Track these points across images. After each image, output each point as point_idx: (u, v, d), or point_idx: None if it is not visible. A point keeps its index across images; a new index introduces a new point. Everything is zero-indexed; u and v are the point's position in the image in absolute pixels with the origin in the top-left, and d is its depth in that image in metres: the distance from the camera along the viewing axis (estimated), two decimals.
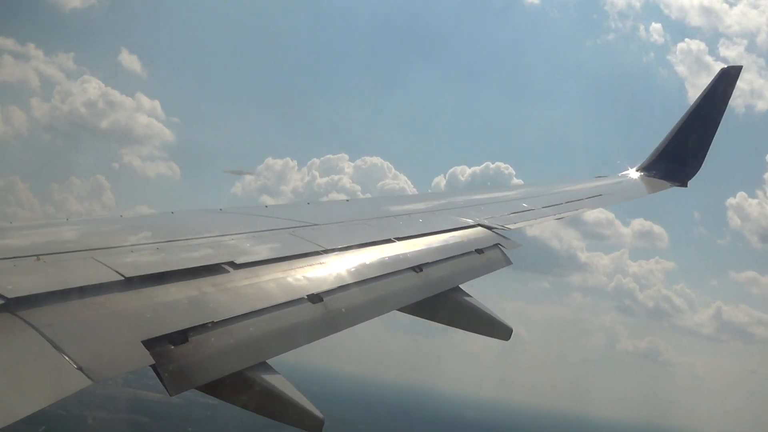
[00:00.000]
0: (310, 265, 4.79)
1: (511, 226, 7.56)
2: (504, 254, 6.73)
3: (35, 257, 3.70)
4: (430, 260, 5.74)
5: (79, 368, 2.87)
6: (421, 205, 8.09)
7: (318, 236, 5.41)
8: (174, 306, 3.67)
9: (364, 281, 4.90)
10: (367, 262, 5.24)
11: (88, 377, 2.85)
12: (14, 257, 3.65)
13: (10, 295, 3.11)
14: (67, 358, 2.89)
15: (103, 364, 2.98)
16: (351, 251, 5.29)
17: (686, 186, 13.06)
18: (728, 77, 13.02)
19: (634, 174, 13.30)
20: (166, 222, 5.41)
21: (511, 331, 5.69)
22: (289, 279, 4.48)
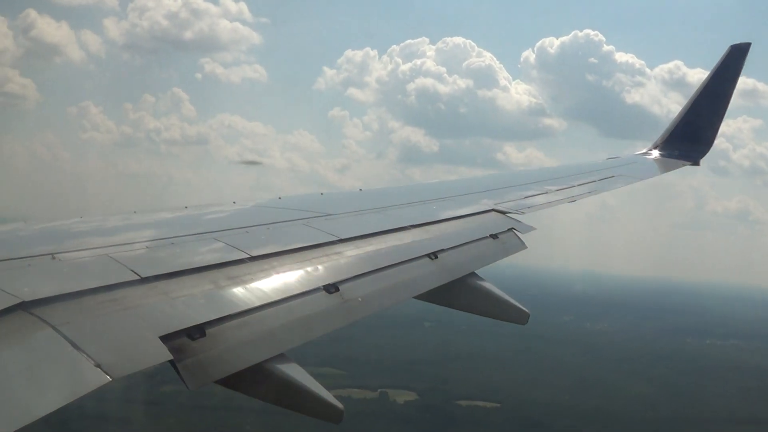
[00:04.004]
0: (326, 255, 4.77)
1: (525, 210, 7.52)
2: (519, 238, 6.69)
3: (50, 256, 3.70)
4: (445, 247, 5.71)
5: (98, 365, 2.86)
6: (434, 192, 8.05)
7: (332, 226, 5.39)
8: (190, 300, 3.66)
9: (379, 270, 4.88)
10: (382, 251, 5.21)
11: (107, 374, 2.84)
12: (30, 256, 3.66)
13: (26, 295, 3.11)
14: (85, 356, 2.88)
15: (121, 361, 2.97)
16: (366, 240, 5.27)
17: (698, 164, 12.97)
18: (737, 54, 12.84)
19: (646, 154, 13.22)
20: (179, 217, 5.41)
21: (528, 315, 5.64)
22: (305, 269, 4.46)
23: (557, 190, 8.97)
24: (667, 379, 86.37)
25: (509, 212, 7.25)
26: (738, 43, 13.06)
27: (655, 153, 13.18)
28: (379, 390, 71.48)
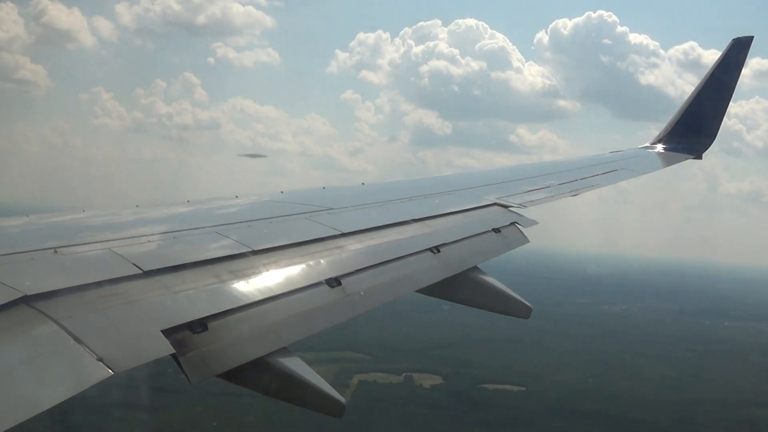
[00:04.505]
0: (328, 249, 4.77)
1: (527, 204, 7.51)
2: (521, 232, 6.69)
3: (53, 250, 3.71)
4: (447, 241, 5.70)
5: (100, 359, 2.87)
6: (436, 186, 8.04)
7: (334, 220, 5.38)
8: (193, 294, 3.66)
9: (381, 264, 4.88)
10: (384, 245, 5.21)
11: (109, 368, 2.85)
12: (32, 250, 3.66)
13: (29, 289, 3.12)
14: (87, 350, 2.89)
15: (123, 355, 2.98)
16: (368, 234, 5.27)
17: (701, 158, 12.94)
18: (739, 48, 12.80)
19: (649, 147, 13.19)
20: (181, 211, 5.41)
21: (530, 309, 5.64)
22: (307, 264, 4.46)
23: (559, 184, 8.96)
24: (689, 362, 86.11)
25: (511, 206, 7.25)
26: (740, 36, 13.01)
27: (658, 146, 13.15)
28: (404, 374, 70.88)
